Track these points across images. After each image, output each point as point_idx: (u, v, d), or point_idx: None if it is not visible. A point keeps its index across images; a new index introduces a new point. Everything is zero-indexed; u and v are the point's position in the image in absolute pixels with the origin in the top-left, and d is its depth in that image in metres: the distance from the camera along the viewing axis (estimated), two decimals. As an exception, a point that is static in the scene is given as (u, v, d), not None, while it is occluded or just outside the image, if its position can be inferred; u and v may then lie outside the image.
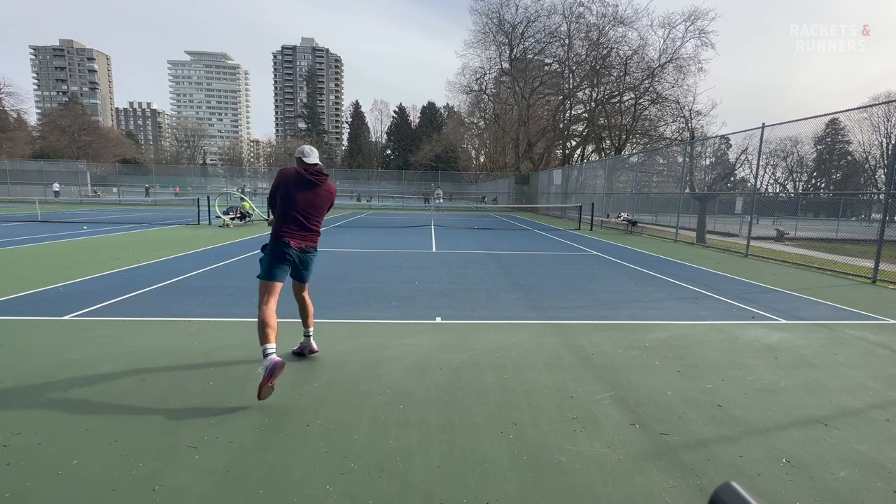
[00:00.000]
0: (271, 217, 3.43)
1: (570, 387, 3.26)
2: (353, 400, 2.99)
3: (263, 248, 3.35)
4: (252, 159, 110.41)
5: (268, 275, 3.22)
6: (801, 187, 27.40)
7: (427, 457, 2.35)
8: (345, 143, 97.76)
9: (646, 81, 28.00)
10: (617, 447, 2.48)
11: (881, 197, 9.79)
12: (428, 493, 2.07)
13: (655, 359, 3.86)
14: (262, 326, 3.05)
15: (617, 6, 33.89)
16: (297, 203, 3.26)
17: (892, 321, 5.33)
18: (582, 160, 34.57)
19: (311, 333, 3.70)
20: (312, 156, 3.39)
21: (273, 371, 2.80)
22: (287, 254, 3.24)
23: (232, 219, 15.94)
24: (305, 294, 3.60)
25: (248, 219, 16.86)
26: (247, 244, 11.00)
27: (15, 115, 54.62)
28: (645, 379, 3.42)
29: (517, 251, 10.95)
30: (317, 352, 3.70)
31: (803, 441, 2.59)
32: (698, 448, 2.49)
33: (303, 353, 3.68)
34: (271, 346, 2.98)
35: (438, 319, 4.88)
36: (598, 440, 2.54)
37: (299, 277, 3.48)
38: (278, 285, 3.24)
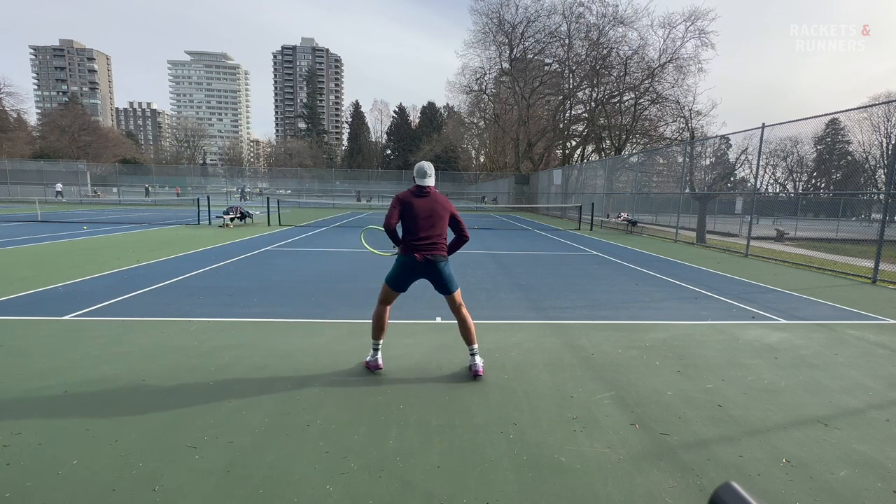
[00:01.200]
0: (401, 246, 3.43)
1: (570, 387, 3.26)
2: (353, 400, 2.99)
3: (397, 257, 3.48)
4: (252, 159, 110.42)
5: (391, 281, 3.41)
6: (801, 187, 27.40)
7: (427, 457, 2.35)
8: (345, 143, 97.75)
9: (646, 81, 28.00)
10: (617, 447, 2.48)
11: (881, 197, 9.79)
12: (428, 493, 2.07)
13: (655, 359, 3.86)
14: (373, 323, 3.47)
15: (617, 6, 33.95)
16: (417, 225, 3.33)
17: (892, 321, 5.33)
18: (582, 160, 34.58)
19: (475, 351, 3.44)
20: (426, 178, 3.44)
21: (370, 368, 3.44)
22: (413, 266, 3.30)
23: (232, 219, 15.94)
24: (461, 308, 3.43)
25: (248, 219, 16.87)
26: (247, 244, 11.00)
27: (15, 115, 54.60)
28: (645, 379, 3.42)
29: (517, 251, 10.95)
30: (480, 375, 3.37)
31: (803, 441, 2.59)
32: (698, 448, 2.49)
33: (474, 373, 3.39)
34: (376, 343, 3.47)
35: (438, 319, 4.88)
36: (598, 440, 2.54)
37: (441, 289, 3.41)
38: (396, 294, 3.45)
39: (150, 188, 43.54)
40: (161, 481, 2.10)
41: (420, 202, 3.34)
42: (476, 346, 3.44)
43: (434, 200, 3.38)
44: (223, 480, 2.12)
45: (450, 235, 3.49)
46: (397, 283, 3.37)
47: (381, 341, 3.49)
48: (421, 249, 3.29)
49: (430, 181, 3.44)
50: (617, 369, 3.60)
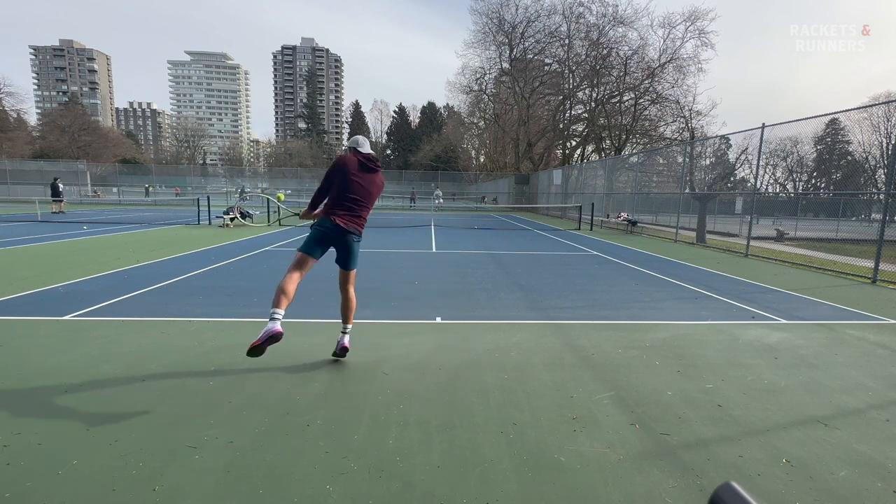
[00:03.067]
0: (306, 209, 3.61)
1: (570, 387, 3.26)
2: (353, 400, 2.99)
3: (312, 227, 3.47)
4: (252, 159, 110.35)
5: (304, 247, 3.34)
6: (801, 187, 27.40)
7: (427, 457, 2.35)
8: (345, 143, 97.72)
9: (646, 81, 28.00)
10: (617, 447, 2.48)
11: (881, 197, 9.79)
12: (428, 493, 2.07)
13: (655, 359, 3.86)
14: (279, 291, 3.12)
15: (617, 6, 33.96)
16: (352, 188, 3.37)
17: (892, 321, 5.33)
18: (582, 160, 34.57)
19: (347, 330, 3.64)
20: (366, 146, 3.54)
21: (270, 337, 2.91)
22: (328, 230, 3.32)
23: (232, 219, 15.94)
24: (350, 287, 3.59)
25: (248, 219, 16.87)
26: (247, 244, 11.00)
27: (15, 115, 54.55)
28: (645, 379, 3.42)
29: (517, 251, 10.95)
30: (346, 349, 3.60)
31: (803, 441, 2.59)
32: (698, 448, 2.49)
33: (337, 352, 3.61)
34: (279, 312, 3.05)
35: (438, 319, 4.88)
36: (598, 440, 2.54)
37: (343, 263, 3.52)
38: (311, 261, 3.32)
39: (150, 188, 43.53)
40: (161, 481, 2.10)
41: (366, 176, 3.41)
42: (350, 325, 3.64)
43: (379, 179, 3.51)
44: (223, 480, 2.12)
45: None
46: (316, 249, 3.35)
47: (283, 311, 3.08)
48: (350, 221, 3.36)
49: (368, 148, 3.54)
50: (617, 369, 3.60)
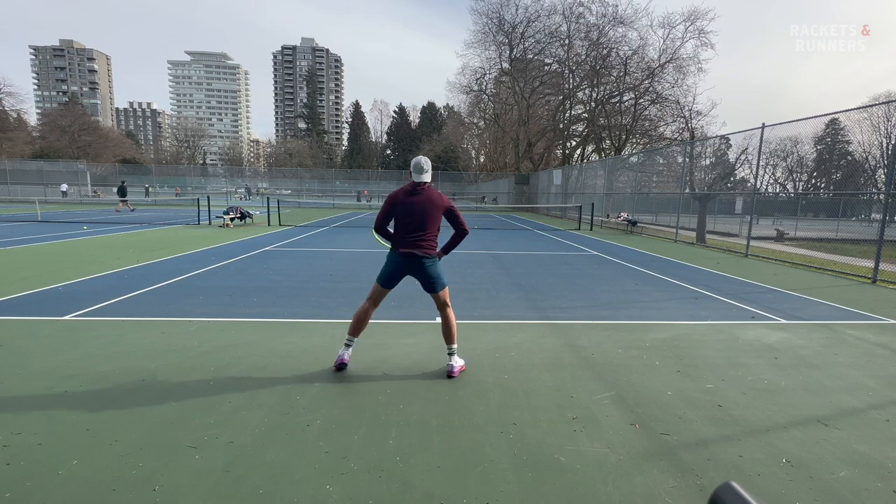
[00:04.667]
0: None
1: (570, 387, 3.26)
2: (353, 400, 2.99)
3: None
4: (252, 159, 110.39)
5: (379, 277, 3.45)
6: (801, 187, 27.40)
7: (427, 457, 2.35)
8: (345, 143, 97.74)
9: (646, 81, 27.99)
10: (617, 447, 2.48)
11: (881, 197, 9.79)
12: (428, 493, 2.07)
13: (655, 359, 3.85)
14: (353, 319, 3.49)
15: (617, 6, 34.03)
16: (406, 215, 3.36)
17: (892, 321, 5.33)
18: (582, 160, 34.56)
19: (453, 350, 3.47)
20: (420, 172, 3.39)
21: (337, 365, 3.45)
22: (395, 262, 3.36)
23: (232, 219, 15.94)
24: (447, 309, 3.49)
25: (248, 219, 16.87)
26: (247, 244, 11.00)
27: (15, 115, 54.52)
28: (645, 379, 3.42)
29: (517, 251, 10.95)
30: (454, 375, 3.38)
31: (803, 441, 2.59)
32: (698, 448, 2.49)
33: (448, 373, 3.41)
34: (350, 339, 3.49)
35: (438, 320, 4.87)
36: (598, 440, 2.54)
37: (427, 287, 3.46)
38: (384, 291, 3.46)
39: (149, 188, 43.59)
40: (161, 481, 2.10)
41: (411, 199, 3.34)
42: (455, 346, 3.47)
43: (427, 198, 3.37)
44: (223, 480, 2.12)
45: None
46: (385, 279, 3.40)
47: (356, 339, 3.52)
48: (407, 246, 3.33)
49: (427, 177, 3.40)
50: (617, 369, 3.60)
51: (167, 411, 2.77)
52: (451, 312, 3.50)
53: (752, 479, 2.24)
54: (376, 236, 4.22)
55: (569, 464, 2.32)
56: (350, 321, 3.52)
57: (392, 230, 3.49)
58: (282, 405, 2.88)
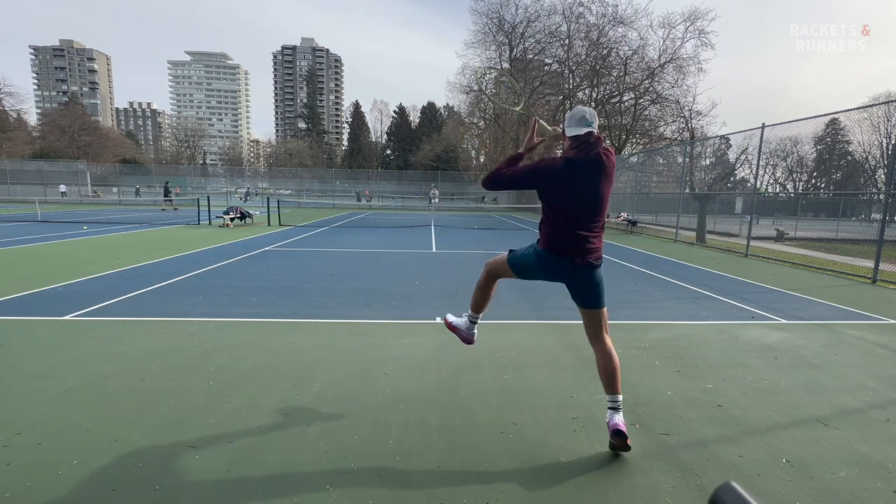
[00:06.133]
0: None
1: (570, 387, 3.26)
2: (353, 400, 2.98)
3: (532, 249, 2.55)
4: (252, 159, 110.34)
5: (514, 258, 2.55)
6: (800, 187, 27.40)
7: (427, 457, 2.35)
8: (345, 143, 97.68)
9: (646, 81, 27.96)
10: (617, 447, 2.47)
11: (881, 197, 9.79)
12: (428, 493, 2.07)
13: (655, 359, 3.85)
14: (477, 295, 2.76)
15: (617, 6, 33.87)
16: (573, 200, 2.31)
17: (892, 321, 5.33)
18: (582, 160, 34.44)
19: (618, 404, 2.38)
20: (582, 123, 2.31)
21: (464, 338, 2.94)
22: (558, 264, 2.40)
23: (232, 219, 15.94)
24: (606, 336, 2.48)
25: (247, 219, 16.87)
26: (247, 244, 11.00)
27: (15, 115, 54.49)
28: (645, 379, 3.42)
29: (517, 251, 10.93)
30: (622, 432, 2.29)
31: (803, 441, 2.59)
32: (698, 448, 2.49)
33: (612, 440, 2.35)
34: (475, 316, 2.88)
35: (438, 319, 4.88)
36: (598, 440, 2.54)
37: (585, 301, 2.49)
38: (511, 275, 2.63)
39: (139, 188, 43.58)
40: (161, 481, 2.10)
41: (582, 170, 2.21)
42: (620, 396, 2.41)
43: (603, 165, 2.26)
44: (223, 480, 2.12)
45: None
46: (522, 271, 2.52)
47: (481, 316, 2.90)
48: (576, 252, 2.31)
49: (595, 128, 2.28)
50: (617, 369, 3.60)
51: (167, 411, 2.77)
52: (611, 343, 2.49)
53: (752, 479, 2.24)
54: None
55: (569, 464, 2.32)
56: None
57: (546, 217, 2.38)
58: (282, 405, 2.88)
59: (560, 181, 2.27)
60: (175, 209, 26.06)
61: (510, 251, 2.63)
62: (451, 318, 3.04)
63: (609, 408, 2.41)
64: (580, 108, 2.36)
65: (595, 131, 2.29)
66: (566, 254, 2.33)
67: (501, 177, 2.41)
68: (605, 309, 2.48)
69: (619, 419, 2.34)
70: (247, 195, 40.71)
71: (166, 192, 25.90)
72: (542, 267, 2.43)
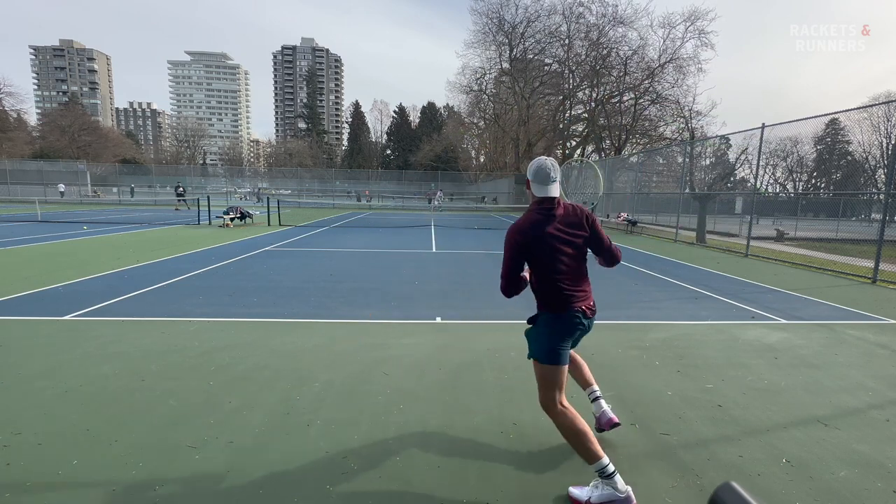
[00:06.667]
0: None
1: (570, 387, 3.25)
2: (353, 400, 2.99)
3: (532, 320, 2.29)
4: (252, 159, 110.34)
5: (548, 357, 2.16)
6: (801, 187, 27.40)
7: (427, 457, 2.35)
8: (345, 143, 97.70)
9: (646, 81, 27.99)
10: (617, 447, 2.48)
11: (881, 197, 9.80)
12: (428, 493, 2.07)
13: (655, 359, 3.85)
14: (576, 436, 2.06)
15: (617, 6, 33.99)
16: (559, 258, 2.15)
17: (892, 321, 5.33)
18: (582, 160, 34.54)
19: (597, 393, 2.58)
20: (548, 184, 2.17)
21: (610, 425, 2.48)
22: (577, 325, 2.17)
23: (232, 219, 15.94)
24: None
25: (247, 219, 16.87)
26: (247, 244, 11.00)
27: (15, 115, 54.50)
28: (645, 379, 3.42)
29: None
30: (618, 424, 2.50)
31: (803, 441, 2.59)
32: (698, 448, 2.49)
33: (601, 426, 2.52)
34: (606, 462, 2.01)
35: (438, 319, 4.88)
36: (598, 440, 2.54)
37: (575, 343, 2.37)
38: (564, 369, 2.19)
39: (134, 188, 43.63)
40: (161, 481, 2.10)
41: (553, 230, 2.13)
42: (597, 386, 2.61)
43: (570, 221, 2.19)
44: (223, 480, 2.12)
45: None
46: (563, 355, 2.17)
47: (605, 458, 2.04)
48: (581, 301, 2.18)
49: (556, 189, 2.18)
50: (617, 369, 3.60)
51: (167, 411, 2.77)
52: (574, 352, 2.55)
53: (752, 479, 2.24)
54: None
55: (569, 464, 2.32)
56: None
57: (532, 281, 2.25)
58: (282, 405, 2.88)
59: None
60: (189, 208, 27.21)
61: (533, 359, 2.23)
62: (574, 491, 2.09)
63: (596, 399, 2.58)
64: (540, 162, 2.22)
65: (557, 196, 2.20)
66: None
67: (505, 289, 2.28)
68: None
69: (608, 409, 2.53)
70: (258, 194, 41.16)
71: (179, 193, 27.25)
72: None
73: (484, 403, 2.98)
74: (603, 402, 2.56)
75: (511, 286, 2.24)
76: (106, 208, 27.61)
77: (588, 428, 2.08)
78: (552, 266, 2.14)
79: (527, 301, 2.39)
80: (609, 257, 2.37)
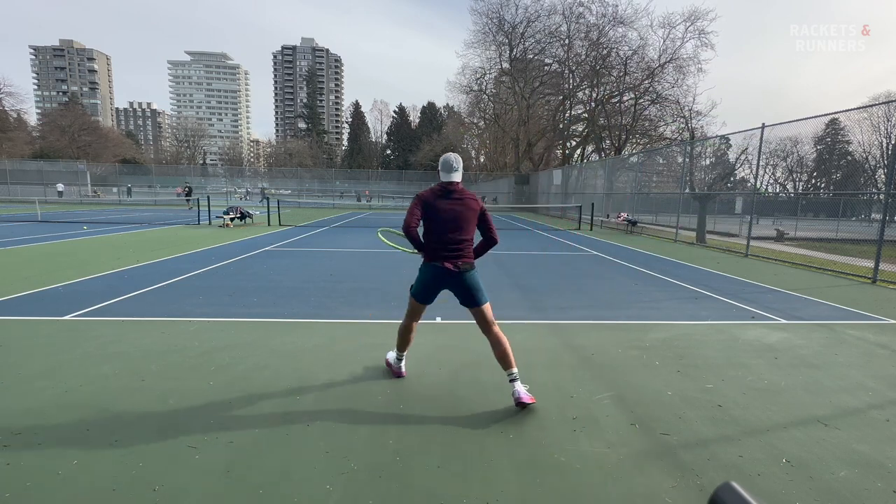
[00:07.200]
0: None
1: (570, 387, 3.26)
2: (353, 400, 2.99)
3: (420, 269, 3.12)
4: (252, 159, 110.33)
5: (415, 293, 3.11)
6: (801, 187, 27.40)
7: (427, 457, 2.35)
8: (345, 143, 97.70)
9: (646, 81, 28.01)
10: (617, 447, 2.48)
11: (881, 197, 9.80)
12: (428, 493, 2.07)
13: (655, 359, 3.85)
14: (401, 336, 3.28)
15: (617, 6, 33.99)
16: (443, 222, 2.95)
17: (892, 321, 5.33)
18: (582, 160, 34.58)
19: (514, 376, 2.95)
20: (451, 171, 3.02)
21: (395, 374, 3.39)
22: (435, 276, 2.99)
23: (232, 219, 15.94)
24: (493, 326, 3.04)
25: (247, 219, 16.87)
26: (247, 244, 11.00)
27: (15, 115, 54.48)
28: (645, 379, 3.42)
29: (517, 251, 10.94)
30: (530, 402, 2.85)
31: (803, 441, 2.59)
32: (698, 448, 2.49)
33: (517, 401, 2.88)
34: (401, 354, 3.36)
35: (438, 319, 4.88)
36: (598, 440, 2.54)
37: (468, 302, 3.04)
38: (424, 307, 3.18)
39: (131, 187, 43.66)
40: (161, 481, 2.10)
41: (445, 203, 2.94)
42: (515, 370, 2.97)
43: (461, 200, 2.98)
44: (223, 480, 2.12)
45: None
46: (422, 295, 3.06)
47: (406, 352, 3.38)
48: (442, 258, 2.95)
49: (457, 176, 3.01)
50: (617, 369, 3.60)
51: (167, 411, 2.77)
52: (499, 330, 3.04)
53: (752, 479, 2.24)
54: (387, 243, 3.60)
55: (569, 464, 2.32)
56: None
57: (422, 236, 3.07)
58: (282, 405, 2.88)
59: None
60: (190, 208, 28.08)
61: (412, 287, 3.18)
62: (389, 354, 3.50)
63: (511, 380, 2.96)
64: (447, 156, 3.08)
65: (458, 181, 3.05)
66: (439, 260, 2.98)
67: (406, 228, 2.97)
68: (487, 304, 3.06)
69: (521, 390, 2.90)
70: (263, 193, 41.46)
71: (188, 193, 28.88)
72: (430, 279, 3.04)
73: (484, 403, 2.98)
74: (517, 384, 2.94)
75: (409, 226, 2.95)
76: (106, 208, 27.62)
77: (411, 339, 3.29)
78: (435, 226, 2.95)
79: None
80: (488, 238, 3.10)
